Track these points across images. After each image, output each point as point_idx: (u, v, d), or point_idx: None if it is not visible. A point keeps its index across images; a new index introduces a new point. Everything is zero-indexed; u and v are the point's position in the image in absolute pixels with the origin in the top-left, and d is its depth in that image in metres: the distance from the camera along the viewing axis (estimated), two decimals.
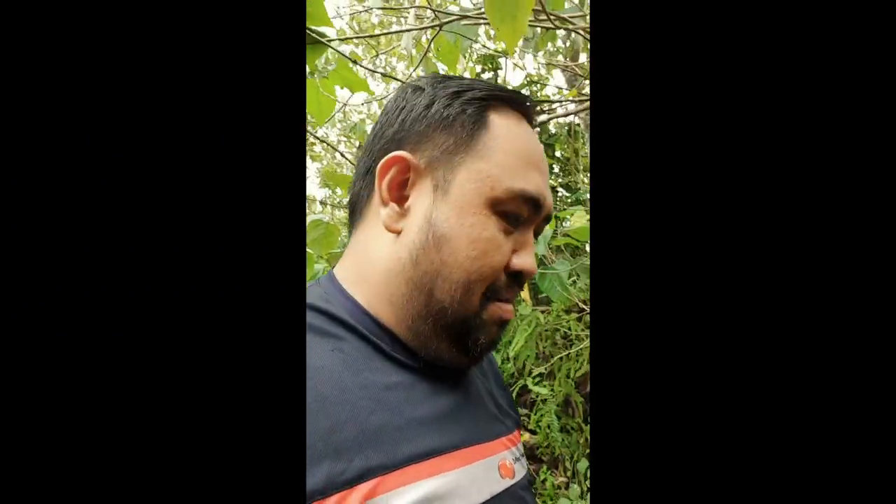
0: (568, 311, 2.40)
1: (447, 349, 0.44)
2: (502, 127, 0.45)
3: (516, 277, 0.45)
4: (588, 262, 1.30)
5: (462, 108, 0.44)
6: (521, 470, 0.50)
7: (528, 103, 0.48)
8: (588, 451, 2.17)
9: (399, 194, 0.45)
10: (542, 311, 2.41)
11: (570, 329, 2.32)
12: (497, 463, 0.47)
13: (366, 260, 0.46)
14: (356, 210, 0.49)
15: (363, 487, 0.35)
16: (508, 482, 0.47)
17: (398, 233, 0.44)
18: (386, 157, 0.44)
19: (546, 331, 2.36)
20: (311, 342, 0.41)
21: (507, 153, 0.44)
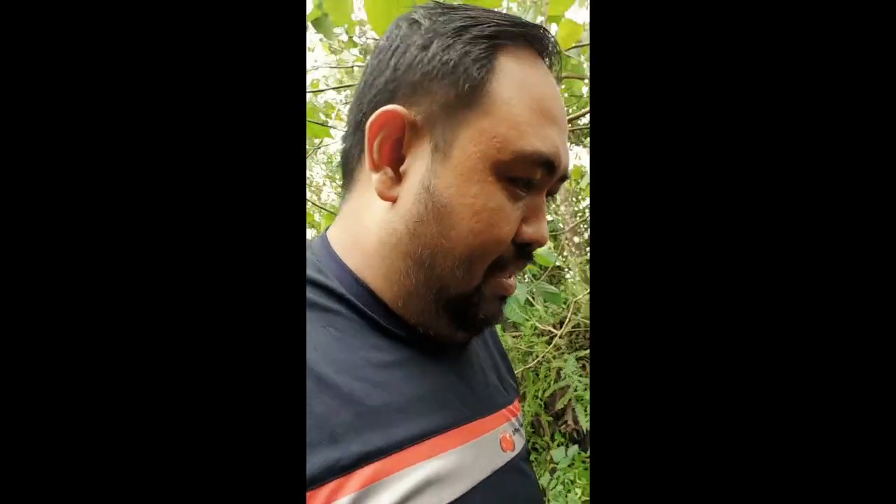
0: (539, 335, 2.54)
1: (446, 325, 0.40)
2: (513, 72, 0.37)
3: (524, 248, 0.40)
4: (546, 285, 1.41)
5: (465, 49, 0.36)
6: (520, 441, 0.48)
7: (545, 39, 0.40)
8: (552, 466, 2.26)
9: (393, 156, 0.38)
10: (514, 336, 2.55)
11: (539, 352, 2.45)
12: (498, 436, 0.44)
13: (359, 227, 0.41)
14: (347, 170, 0.42)
15: (361, 473, 0.33)
16: (509, 455, 0.44)
17: (393, 200, 0.38)
18: (376, 113, 0.37)
19: (519, 355, 2.50)
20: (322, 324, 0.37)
21: (518, 106, 0.37)
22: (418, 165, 0.38)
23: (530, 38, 0.39)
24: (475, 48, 0.36)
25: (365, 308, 0.39)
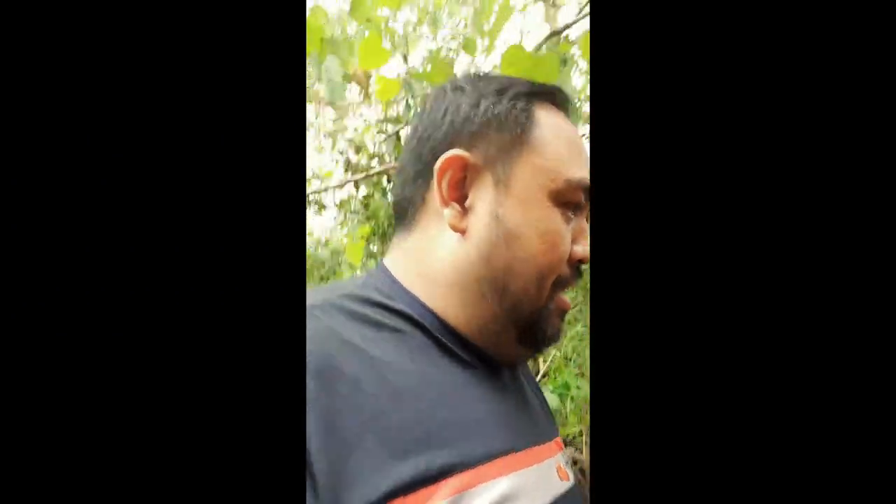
0: None
1: (514, 344, 0.45)
2: (547, 121, 0.46)
3: (577, 266, 0.45)
4: None
5: (511, 104, 0.45)
6: (571, 474, 0.51)
7: (566, 98, 0.49)
8: None
9: (458, 193, 0.45)
10: None
11: None
12: (555, 465, 0.47)
13: (429, 260, 0.45)
14: (407, 214, 0.48)
15: (447, 484, 0.35)
16: (567, 484, 0.47)
17: (463, 232, 0.44)
18: (443, 158, 0.44)
19: None
20: (374, 336, 0.40)
21: (558, 145, 0.45)
22: (483, 199, 0.44)
23: (554, 97, 0.48)
24: (518, 102, 0.45)
25: (435, 331, 0.43)
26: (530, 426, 0.47)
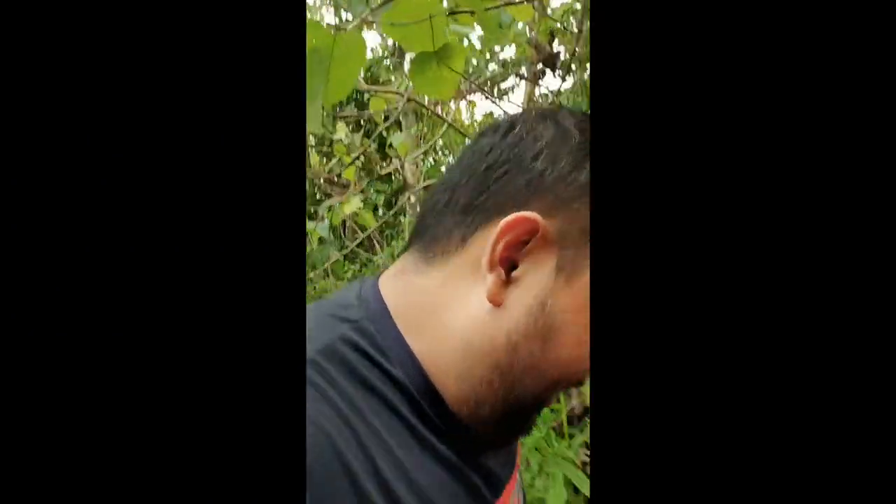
0: None
1: (498, 431, 0.40)
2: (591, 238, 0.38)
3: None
4: None
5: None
6: (520, 498, 0.50)
7: None
8: None
9: (509, 258, 0.37)
10: None
11: None
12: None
13: (445, 318, 0.38)
14: (433, 245, 0.40)
15: None
16: None
17: (499, 305, 0.37)
18: (518, 215, 0.36)
19: None
20: (364, 406, 0.35)
21: None
22: (536, 278, 0.37)
23: None
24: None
25: (424, 405, 0.38)
26: (499, 477, 0.43)
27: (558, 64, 2.03)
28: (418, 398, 0.38)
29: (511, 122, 0.40)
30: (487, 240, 0.37)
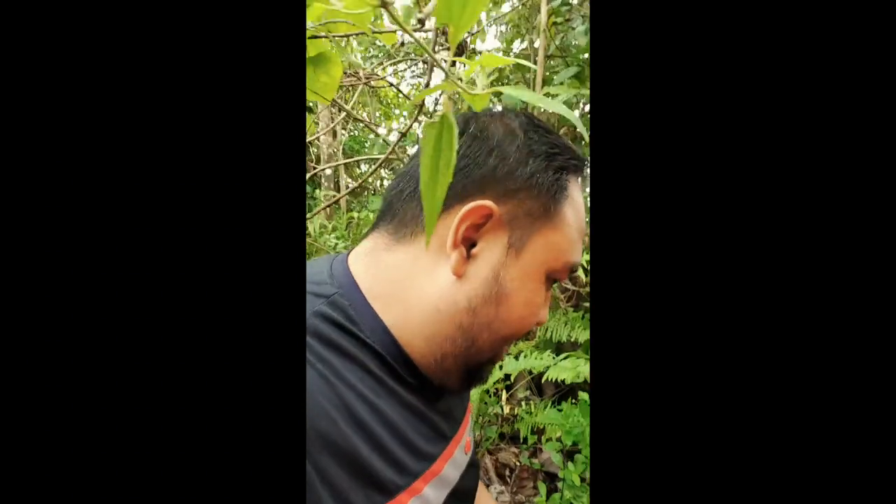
0: None
1: (458, 380, 0.48)
2: (573, 197, 0.46)
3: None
4: None
5: (555, 176, 0.45)
6: (471, 439, 0.59)
7: (586, 167, 0.49)
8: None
9: (468, 238, 0.44)
10: None
11: None
12: (464, 442, 0.55)
13: (411, 288, 0.45)
14: (401, 227, 0.47)
15: (403, 497, 0.43)
16: (469, 456, 0.56)
17: (460, 277, 0.44)
18: (475, 204, 0.43)
19: None
20: (340, 365, 0.41)
21: (573, 225, 0.46)
22: (491, 254, 0.45)
23: (581, 169, 0.48)
24: (561, 175, 0.45)
25: (394, 363, 0.45)
26: (454, 420, 0.54)
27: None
28: (389, 360, 0.45)
29: (465, 121, 0.47)
30: (450, 223, 0.44)
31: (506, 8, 2.29)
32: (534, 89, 2.11)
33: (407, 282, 0.46)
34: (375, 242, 0.48)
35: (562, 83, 1.63)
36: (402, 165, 0.81)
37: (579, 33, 1.88)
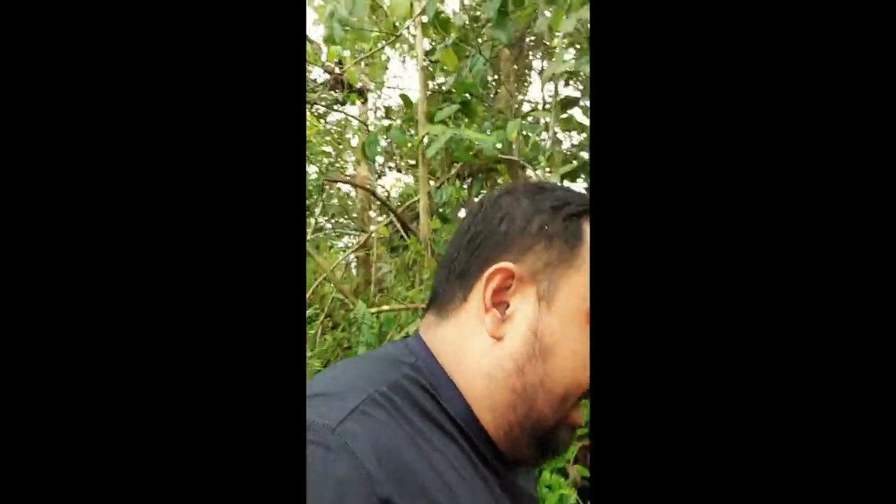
0: None
1: (532, 453, 0.47)
2: (589, 238, 0.46)
3: None
4: None
5: (564, 224, 0.46)
6: None
7: None
8: None
9: (500, 301, 0.46)
10: None
11: None
12: None
13: (465, 358, 0.47)
14: (445, 306, 0.49)
15: None
16: None
17: (500, 339, 0.45)
18: (494, 268, 0.45)
19: None
20: (429, 434, 0.42)
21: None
22: (524, 310, 0.45)
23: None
24: (570, 223, 0.46)
25: (471, 434, 0.45)
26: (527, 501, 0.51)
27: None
28: (465, 428, 0.45)
29: (480, 203, 0.52)
30: (480, 292, 0.46)
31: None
32: (417, 126, 1.85)
33: (461, 354, 0.47)
34: (427, 322, 0.50)
35: (442, 121, 1.96)
36: None
37: (477, 72, 1.94)
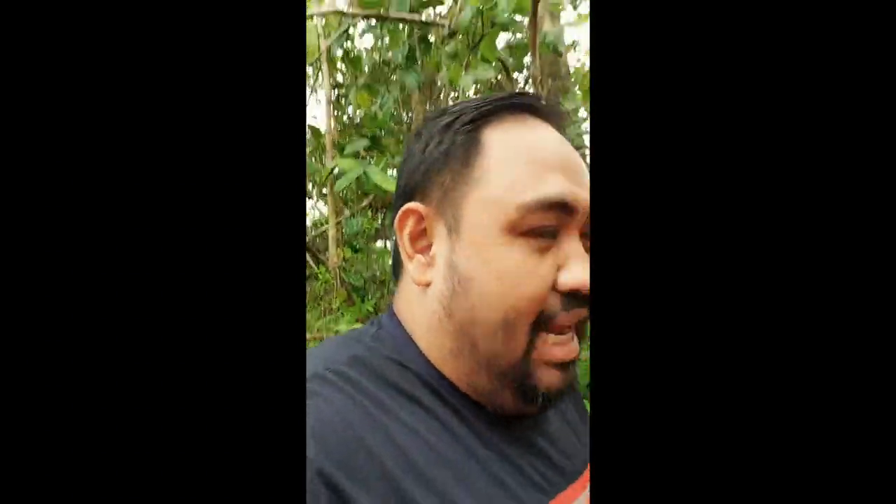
0: None
1: (510, 399, 0.41)
2: (500, 141, 0.40)
3: (573, 296, 0.39)
4: None
5: (453, 139, 0.41)
6: None
7: (536, 103, 0.43)
8: None
9: (422, 245, 0.42)
10: None
11: None
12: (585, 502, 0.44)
13: (413, 314, 0.43)
14: (396, 267, 0.46)
15: None
16: None
17: (427, 285, 0.41)
18: (399, 214, 0.42)
19: None
20: (391, 404, 0.38)
21: (510, 167, 0.39)
22: (441, 248, 0.41)
23: (514, 107, 0.42)
24: (460, 134, 0.41)
25: (448, 397, 0.41)
26: (550, 476, 0.43)
27: None
28: (437, 388, 0.41)
29: (418, 133, 0.46)
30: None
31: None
32: (322, 156, 1.88)
33: (410, 311, 0.44)
34: (397, 289, 0.48)
35: (353, 154, 2.00)
36: None
37: (387, 110, 1.98)
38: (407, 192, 0.44)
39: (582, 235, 0.41)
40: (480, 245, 0.39)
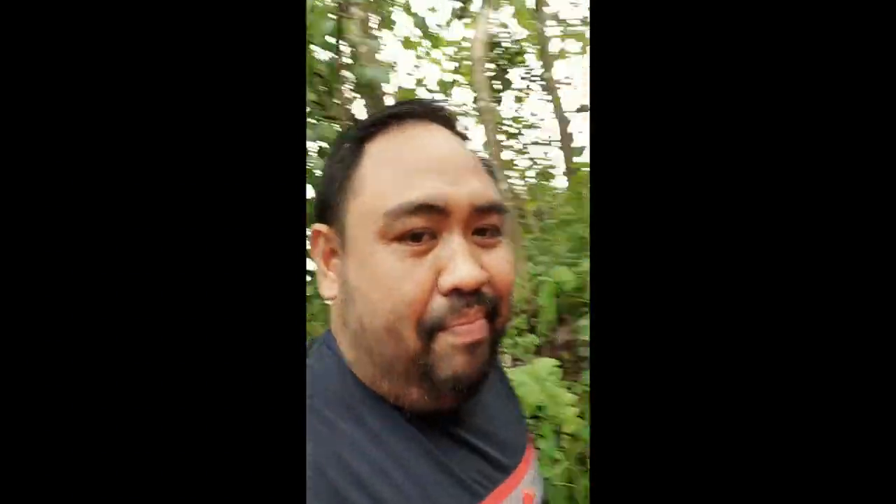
0: None
1: (420, 395, 0.40)
2: (378, 153, 0.41)
3: (459, 294, 0.38)
4: None
5: (339, 157, 0.43)
6: (538, 489, 0.49)
7: (427, 108, 0.44)
8: None
9: (334, 262, 0.44)
10: None
11: None
12: (521, 495, 0.45)
13: (335, 332, 0.46)
14: None
15: None
16: None
17: (332, 299, 0.44)
18: (309, 235, 0.44)
19: None
20: (352, 432, 0.39)
21: (382, 176, 0.40)
22: (337, 264, 0.43)
23: (401, 116, 0.42)
24: (345, 151, 0.42)
25: (381, 406, 0.42)
26: (488, 470, 0.44)
27: None
28: (368, 400, 0.42)
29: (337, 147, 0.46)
30: None
31: None
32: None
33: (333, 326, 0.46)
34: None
35: None
36: None
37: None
38: (317, 211, 0.45)
39: (474, 233, 0.41)
40: (361, 255, 0.40)
